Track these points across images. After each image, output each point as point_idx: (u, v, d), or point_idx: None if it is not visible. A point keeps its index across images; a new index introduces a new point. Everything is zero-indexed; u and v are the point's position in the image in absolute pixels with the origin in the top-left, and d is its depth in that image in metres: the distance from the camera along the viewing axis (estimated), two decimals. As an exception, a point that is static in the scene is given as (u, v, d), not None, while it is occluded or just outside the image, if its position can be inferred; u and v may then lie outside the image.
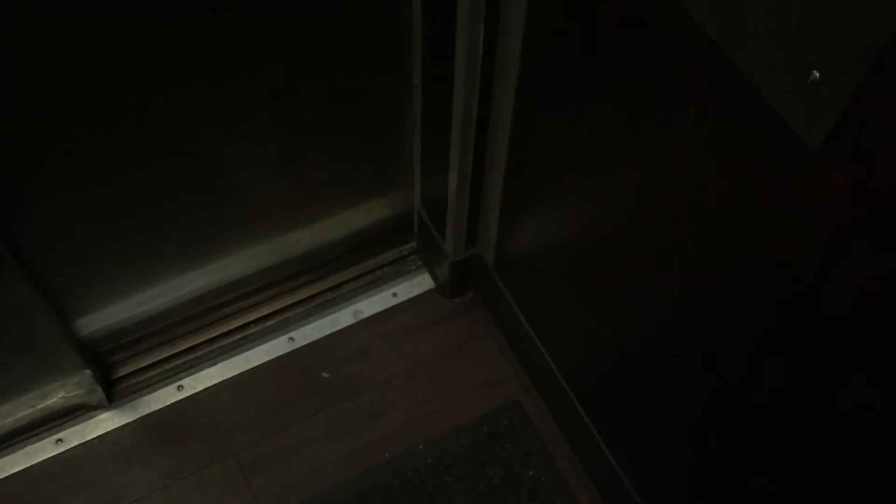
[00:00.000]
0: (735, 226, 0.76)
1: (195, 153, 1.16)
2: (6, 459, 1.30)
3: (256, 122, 1.17)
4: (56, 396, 1.29)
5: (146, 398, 1.36)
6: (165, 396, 1.36)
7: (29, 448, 1.31)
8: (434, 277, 1.49)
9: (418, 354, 1.42)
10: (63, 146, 1.05)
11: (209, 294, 1.38)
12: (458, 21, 1.01)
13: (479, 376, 1.41)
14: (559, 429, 1.35)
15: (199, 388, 1.38)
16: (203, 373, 1.39)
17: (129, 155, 1.11)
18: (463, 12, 0.99)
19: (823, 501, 0.81)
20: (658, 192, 0.86)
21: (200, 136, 1.14)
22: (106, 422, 1.34)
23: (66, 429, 1.32)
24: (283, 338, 1.42)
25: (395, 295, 1.47)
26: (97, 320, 1.30)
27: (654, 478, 1.14)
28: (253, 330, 1.43)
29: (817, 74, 0.58)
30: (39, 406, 1.29)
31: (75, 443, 1.32)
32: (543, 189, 1.11)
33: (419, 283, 1.49)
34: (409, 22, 1.13)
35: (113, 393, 1.35)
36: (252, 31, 1.05)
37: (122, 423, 1.34)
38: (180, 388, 1.37)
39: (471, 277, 1.43)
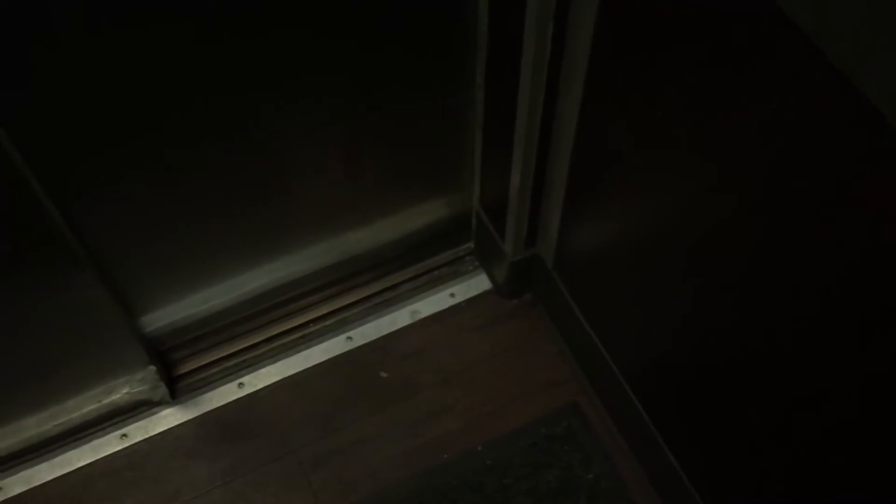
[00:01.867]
0: (818, 222, 0.74)
1: (259, 153, 1.17)
2: (73, 453, 1.32)
3: (319, 122, 1.18)
4: (121, 392, 1.31)
5: (208, 395, 1.37)
6: (226, 394, 1.38)
7: (95, 442, 1.33)
8: (492, 278, 1.48)
9: (476, 355, 1.42)
10: (132, 147, 1.06)
11: (269, 293, 1.40)
12: (527, 18, 1.00)
13: (537, 378, 1.40)
14: (619, 431, 1.34)
15: (259, 385, 1.39)
16: (263, 371, 1.40)
17: (194, 155, 1.12)
18: (532, 9, 0.99)
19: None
20: (732, 189, 0.85)
21: (264, 136, 1.15)
22: (168, 418, 1.35)
23: (130, 424, 1.35)
24: (342, 337, 1.43)
25: (452, 295, 1.47)
26: (162, 317, 1.32)
27: (720, 483, 1.12)
28: (312, 329, 1.44)
29: (917, 63, 0.57)
30: (105, 401, 1.31)
31: (139, 438, 1.34)
32: (608, 187, 1.10)
33: (476, 284, 1.49)
34: (474, 21, 1.13)
35: (176, 389, 1.37)
36: (317, 31, 1.06)
37: (185, 419, 1.35)
38: (241, 385, 1.38)
39: (529, 278, 1.43)
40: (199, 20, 0.97)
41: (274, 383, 1.39)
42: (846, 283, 0.74)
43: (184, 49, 0.99)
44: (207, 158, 1.14)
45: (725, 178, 0.85)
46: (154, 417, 1.35)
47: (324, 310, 1.45)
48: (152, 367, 1.29)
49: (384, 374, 1.40)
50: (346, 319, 1.45)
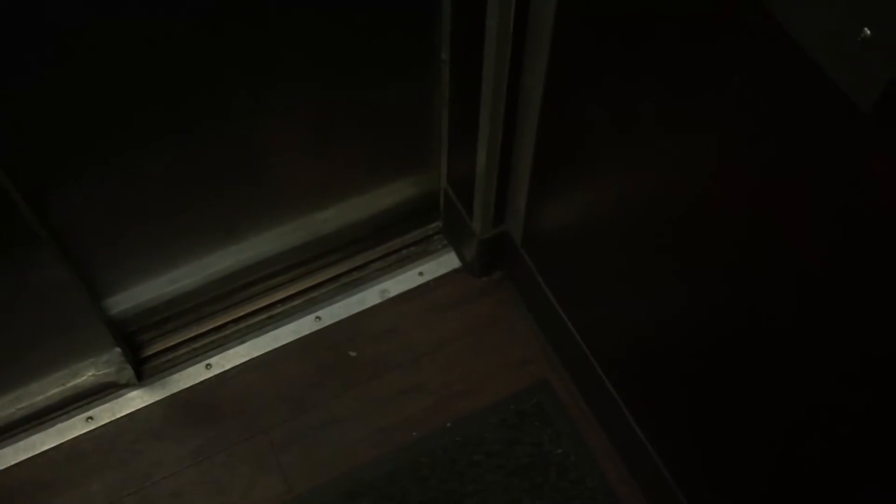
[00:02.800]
0: (783, 196, 0.75)
1: (224, 135, 1.16)
2: (37, 437, 1.31)
3: (284, 102, 1.17)
4: (86, 374, 1.30)
5: (175, 377, 1.36)
6: (195, 375, 1.37)
7: (60, 426, 1.32)
8: (461, 256, 1.48)
9: (446, 333, 1.42)
10: (97, 127, 1.05)
11: (237, 273, 1.39)
12: (490, -7, 1.00)
13: (507, 355, 1.40)
14: (588, 407, 1.35)
15: (228, 366, 1.38)
16: (231, 351, 1.39)
17: (160, 135, 1.11)
18: (495, -16, 0.98)
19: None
20: (699, 166, 0.85)
21: (230, 117, 1.14)
22: (136, 400, 1.34)
23: (96, 407, 1.33)
24: (311, 317, 1.42)
25: (421, 274, 1.47)
26: (127, 299, 1.31)
27: (684, 454, 1.13)
28: (280, 309, 1.43)
29: (868, 32, 0.57)
30: (70, 384, 1.30)
31: (105, 420, 1.33)
32: (575, 164, 1.10)
33: (446, 262, 1.48)
34: None
35: (142, 371, 1.36)
36: (280, 13, 1.04)
37: (152, 401, 1.34)
38: (209, 366, 1.38)
39: (498, 256, 1.43)
40: (164, 8, 0.95)
41: (242, 364, 1.38)
42: (818, 254, 0.75)
43: (149, 35, 0.98)
44: (173, 140, 1.12)
45: (692, 153, 0.85)
46: (121, 400, 1.34)
47: (292, 290, 1.44)
48: (117, 350, 1.28)
49: (353, 354, 1.40)
50: (314, 299, 1.44)
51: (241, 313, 1.42)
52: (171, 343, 1.38)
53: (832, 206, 0.70)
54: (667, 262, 0.97)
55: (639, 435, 1.20)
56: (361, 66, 1.17)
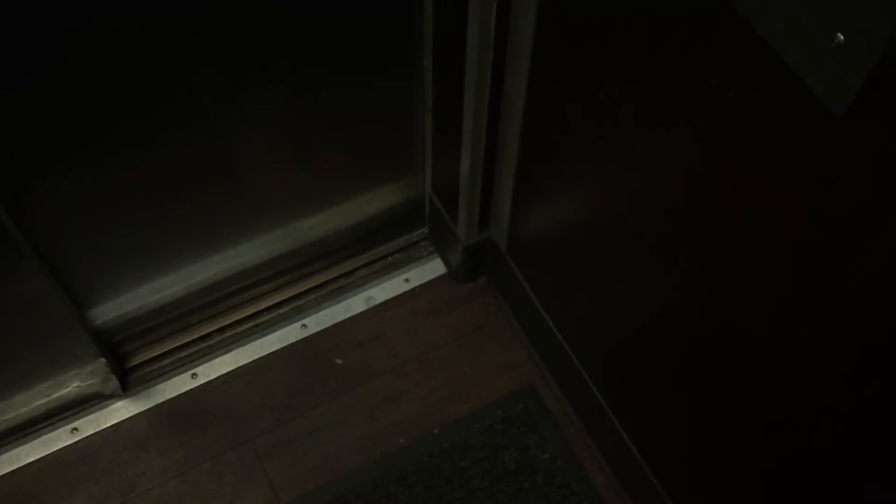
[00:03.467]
0: (758, 198, 0.75)
1: (206, 142, 1.16)
2: (22, 449, 1.30)
3: (266, 110, 1.17)
4: (71, 385, 1.29)
5: (160, 386, 1.36)
6: (180, 384, 1.36)
7: (44, 437, 1.31)
8: (446, 262, 1.48)
9: (432, 340, 1.42)
10: (76, 140, 1.05)
11: (222, 282, 1.38)
12: (471, 2, 1.00)
13: (492, 361, 1.41)
14: (574, 412, 1.35)
15: (213, 375, 1.37)
16: (217, 360, 1.39)
17: (140, 145, 1.11)
18: (475, -9, 0.98)
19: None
20: (677, 167, 0.85)
21: (211, 125, 1.14)
22: (121, 410, 1.34)
23: (81, 418, 1.33)
24: (296, 325, 1.42)
25: (407, 281, 1.47)
26: (111, 309, 1.30)
27: (670, 458, 1.13)
28: (266, 317, 1.43)
29: (842, 37, 0.57)
30: (54, 395, 1.29)
31: (90, 431, 1.32)
32: (557, 170, 1.10)
33: (431, 269, 1.49)
34: (420, 2, 1.13)
35: (127, 382, 1.35)
36: (261, 18, 1.04)
37: (137, 411, 1.34)
38: (194, 375, 1.37)
39: (483, 262, 1.43)
40: (143, 14, 0.95)
41: (228, 373, 1.38)
42: (786, 256, 0.76)
43: (129, 42, 0.97)
44: (154, 150, 1.12)
45: (672, 156, 0.86)
46: (105, 410, 1.33)
47: (278, 298, 1.44)
48: (102, 360, 1.28)
49: (339, 361, 1.40)
50: (300, 307, 1.44)
51: (227, 322, 1.41)
52: (157, 353, 1.38)
53: (809, 206, 0.70)
54: (651, 264, 0.98)
55: (625, 439, 1.21)
56: (344, 72, 1.17)
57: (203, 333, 1.40)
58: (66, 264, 1.18)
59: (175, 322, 1.39)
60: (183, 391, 1.36)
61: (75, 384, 1.29)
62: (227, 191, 1.25)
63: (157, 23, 0.98)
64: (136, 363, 1.37)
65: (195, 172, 1.19)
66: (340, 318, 1.43)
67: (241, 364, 1.39)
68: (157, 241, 1.26)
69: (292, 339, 1.41)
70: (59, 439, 1.31)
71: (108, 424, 1.33)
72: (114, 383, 1.32)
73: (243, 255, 1.37)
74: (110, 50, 0.97)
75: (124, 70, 1.00)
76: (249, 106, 1.15)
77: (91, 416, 1.33)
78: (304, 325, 1.42)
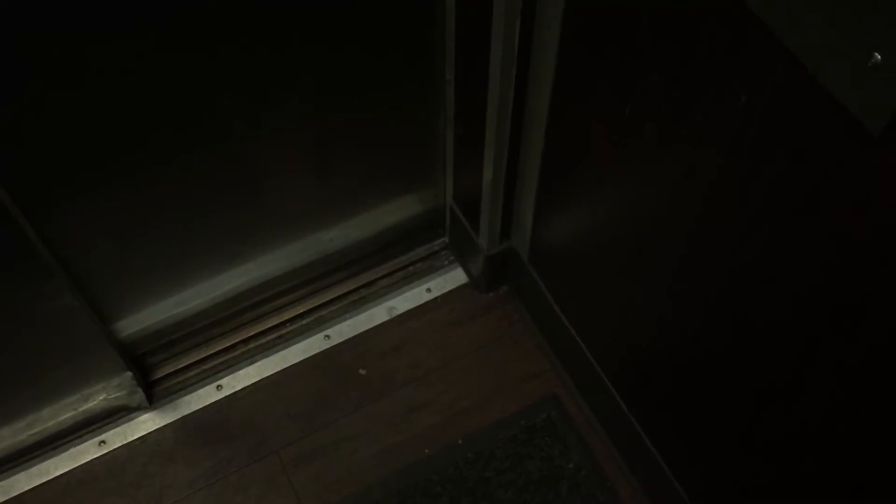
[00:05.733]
0: (787, 218, 0.75)
1: (228, 155, 1.17)
2: (51, 462, 1.31)
3: (288, 122, 1.18)
4: (98, 399, 1.30)
5: (186, 398, 1.37)
6: (205, 396, 1.37)
7: (73, 450, 1.32)
8: (468, 272, 1.49)
9: (454, 349, 1.42)
10: (99, 155, 1.05)
11: (244, 294, 1.39)
12: (495, 15, 1.00)
13: (515, 370, 1.41)
14: (598, 421, 1.35)
15: (238, 387, 1.38)
16: (241, 372, 1.39)
17: (163, 161, 1.11)
18: (499, 6, 0.99)
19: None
20: (703, 183, 0.85)
21: (233, 138, 1.15)
22: (147, 423, 1.35)
23: (108, 430, 1.34)
24: (319, 335, 1.43)
25: (429, 290, 1.47)
26: (136, 322, 1.32)
27: (697, 468, 1.13)
28: (289, 328, 1.43)
29: (878, 57, 0.57)
30: (81, 409, 1.30)
31: (118, 444, 1.33)
32: (580, 180, 1.10)
33: (453, 279, 1.49)
34: (442, 17, 1.13)
35: (153, 394, 1.36)
36: (284, 35, 1.05)
37: (163, 423, 1.35)
38: (219, 387, 1.38)
39: (505, 271, 1.43)
40: (163, 29, 0.96)
41: (253, 384, 1.39)
42: (818, 275, 0.76)
43: (151, 57, 0.98)
44: (176, 166, 1.13)
45: (695, 172, 0.86)
46: (132, 423, 1.34)
47: (300, 309, 1.45)
48: (128, 373, 1.29)
49: (363, 372, 1.40)
50: (323, 318, 1.44)
51: (251, 333, 1.42)
52: (181, 365, 1.39)
53: (836, 227, 0.70)
54: (674, 277, 0.98)
55: (650, 448, 1.21)
56: (364, 86, 1.18)
57: (227, 345, 1.41)
58: (92, 280, 1.19)
59: (199, 334, 1.40)
60: (208, 403, 1.37)
61: (102, 397, 1.30)
62: (248, 204, 1.25)
63: (176, 45, 0.98)
64: (161, 375, 1.38)
65: (217, 186, 1.20)
66: (363, 328, 1.44)
67: (265, 375, 1.39)
68: (180, 254, 1.27)
69: (315, 350, 1.42)
70: (86, 452, 1.32)
71: (136, 437, 1.34)
72: (140, 396, 1.33)
73: (266, 267, 1.38)
74: (135, 71, 0.98)
75: (148, 90, 1.01)
76: (271, 121, 1.16)
77: (118, 429, 1.34)
78: (327, 336, 1.43)
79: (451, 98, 1.23)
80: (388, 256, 1.49)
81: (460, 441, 1.35)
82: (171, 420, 1.35)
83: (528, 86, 1.09)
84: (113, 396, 1.31)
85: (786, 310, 0.81)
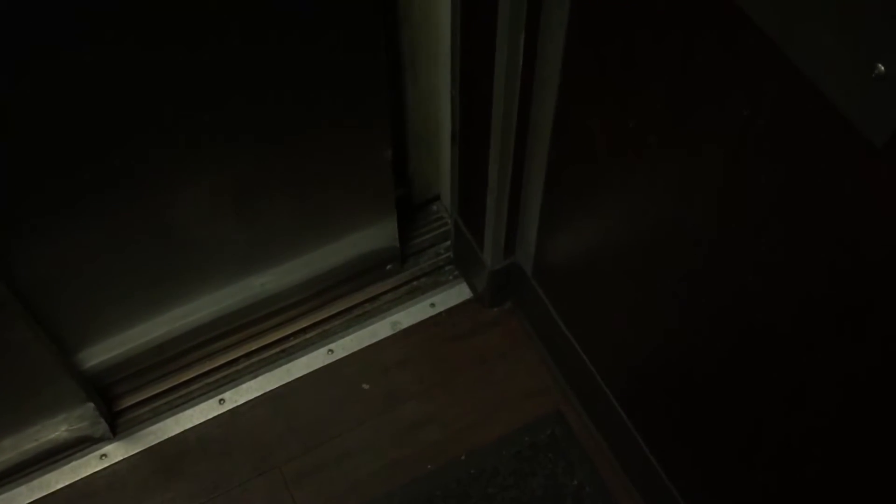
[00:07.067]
0: (791, 230, 0.75)
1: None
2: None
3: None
4: (60, 430, 1.27)
5: (188, 413, 1.36)
6: (207, 410, 1.37)
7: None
8: (472, 287, 1.48)
9: (457, 364, 1.42)
10: (52, 186, 1.02)
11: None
12: (499, 29, 1.01)
13: (519, 386, 1.40)
14: (602, 438, 1.34)
15: (241, 401, 1.38)
16: (244, 386, 1.39)
17: (116, 188, 1.07)
18: (503, 20, 0.99)
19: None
20: (706, 196, 0.85)
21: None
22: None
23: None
24: (323, 350, 1.43)
25: (433, 305, 1.47)
26: (102, 351, 1.28)
27: (702, 486, 1.12)
28: (292, 343, 1.43)
29: (882, 68, 0.57)
30: (45, 439, 1.27)
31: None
32: (584, 196, 1.10)
33: (457, 293, 1.49)
34: (377, 52, 1.09)
35: (118, 424, 1.34)
36: (200, 74, 1.01)
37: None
38: (222, 401, 1.38)
39: (509, 286, 1.43)
40: (97, 62, 0.93)
41: (255, 398, 1.38)
42: (819, 289, 0.75)
43: (95, 92, 0.95)
44: (133, 191, 1.08)
45: (699, 185, 0.86)
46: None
47: (304, 323, 1.44)
48: (90, 405, 1.25)
49: (366, 387, 1.40)
50: (326, 332, 1.44)
51: (254, 347, 1.42)
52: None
53: (840, 238, 0.70)
54: (679, 291, 0.98)
55: (654, 466, 1.20)
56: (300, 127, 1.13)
57: (230, 359, 1.41)
58: (51, 311, 1.15)
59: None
60: (210, 417, 1.36)
61: (64, 428, 1.27)
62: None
63: (95, 77, 0.95)
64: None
65: (192, 208, 1.15)
66: (366, 343, 1.44)
67: (268, 389, 1.39)
68: (148, 282, 1.22)
69: (319, 365, 1.42)
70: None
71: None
72: (103, 427, 1.30)
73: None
74: (80, 102, 0.95)
75: (95, 119, 0.98)
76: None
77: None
78: (331, 351, 1.43)
79: (456, 113, 1.24)
80: (392, 271, 1.48)
81: (463, 457, 1.34)
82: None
83: (531, 100, 1.09)
84: (75, 427, 1.28)
85: (797, 320, 0.80)
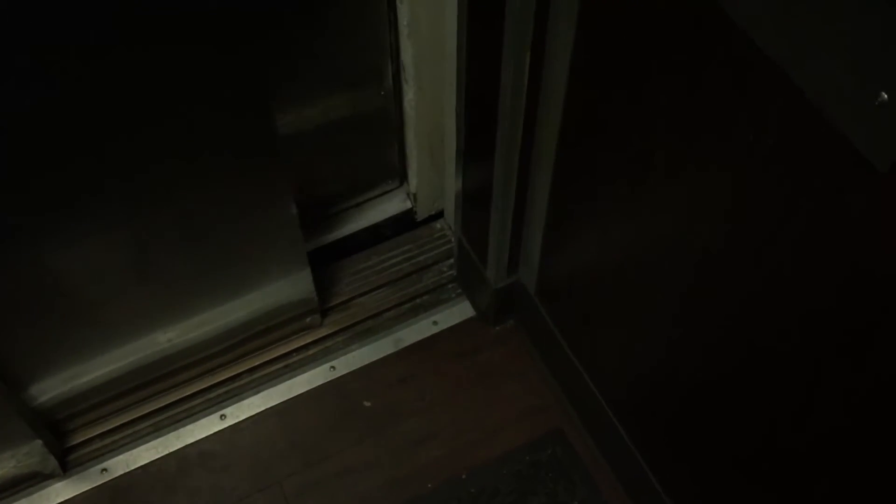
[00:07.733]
0: (794, 253, 0.75)
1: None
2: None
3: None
4: (8, 466, 1.25)
5: (189, 428, 1.36)
6: (209, 425, 1.37)
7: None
8: (475, 305, 1.49)
9: (460, 382, 1.42)
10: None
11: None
12: (504, 51, 1.02)
13: (521, 404, 1.40)
14: (603, 457, 1.34)
15: (242, 416, 1.38)
16: (246, 402, 1.39)
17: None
18: (509, 41, 1.00)
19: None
20: (710, 217, 0.86)
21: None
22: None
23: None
24: (325, 366, 1.43)
25: (435, 323, 1.47)
26: (54, 386, 1.25)
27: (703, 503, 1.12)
28: (295, 359, 1.43)
29: (885, 96, 0.58)
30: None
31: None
32: (588, 215, 1.11)
33: (459, 311, 1.49)
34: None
35: (69, 461, 1.32)
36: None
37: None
38: (223, 417, 1.37)
39: (512, 304, 1.43)
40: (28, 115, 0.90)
41: (257, 414, 1.38)
42: (820, 311, 0.75)
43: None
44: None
45: (704, 206, 0.86)
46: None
47: (307, 339, 1.44)
48: (38, 441, 1.22)
49: (368, 404, 1.40)
50: (328, 349, 1.44)
51: (256, 363, 1.42)
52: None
53: (844, 261, 0.70)
54: (683, 311, 0.98)
55: (656, 486, 1.19)
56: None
57: (232, 374, 1.41)
58: None
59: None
60: (212, 432, 1.36)
61: (12, 465, 1.25)
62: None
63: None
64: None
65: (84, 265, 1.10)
66: (369, 359, 1.44)
67: (269, 405, 1.39)
68: (83, 323, 1.19)
69: (321, 381, 1.42)
70: None
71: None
72: (53, 463, 1.28)
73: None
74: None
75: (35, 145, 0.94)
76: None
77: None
78: (333, 367, 1.43)
79: (461, 131, 1.24)
80: (396, 289, 1.48)
81: (464, 475, 1.33)
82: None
83: (536, 119, 1.10)
84: (23, 464, 1.26)
85: (799, 339, 0.80)
